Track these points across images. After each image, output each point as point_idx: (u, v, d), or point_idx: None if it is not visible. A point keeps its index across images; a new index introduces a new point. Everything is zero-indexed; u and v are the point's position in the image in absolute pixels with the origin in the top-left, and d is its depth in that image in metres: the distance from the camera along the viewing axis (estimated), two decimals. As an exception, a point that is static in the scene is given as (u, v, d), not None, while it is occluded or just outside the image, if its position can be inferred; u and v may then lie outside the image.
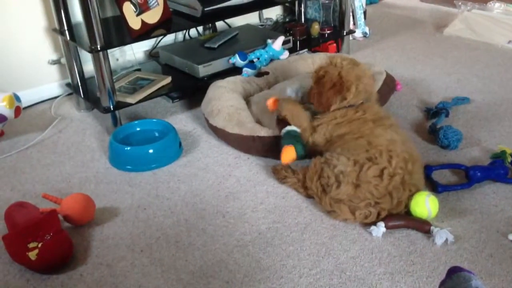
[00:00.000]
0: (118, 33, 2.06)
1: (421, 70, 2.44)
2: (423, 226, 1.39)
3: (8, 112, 1.84)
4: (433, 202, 1.41)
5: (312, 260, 1.33)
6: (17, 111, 1.88)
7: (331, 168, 1.45)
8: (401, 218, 1.42)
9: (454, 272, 0.88)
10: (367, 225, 1.42)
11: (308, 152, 1.65)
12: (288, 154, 1.58)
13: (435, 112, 1.96)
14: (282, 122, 1.71)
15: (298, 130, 1.65)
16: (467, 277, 0.85)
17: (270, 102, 1.76)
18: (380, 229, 1.39)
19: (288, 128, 1.66)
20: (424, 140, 1.83)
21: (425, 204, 1.40)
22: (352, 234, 1.41)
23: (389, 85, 2.02)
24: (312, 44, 2.53)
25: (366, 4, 2.97)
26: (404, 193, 1.41)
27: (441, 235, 1.35)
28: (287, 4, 2.88)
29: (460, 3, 3.02)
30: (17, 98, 1.88)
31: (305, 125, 1.65)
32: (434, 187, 1.55)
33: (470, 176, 1.57)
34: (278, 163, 1.65)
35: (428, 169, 1.62)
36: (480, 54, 2.59)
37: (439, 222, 1.42)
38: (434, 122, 1.87)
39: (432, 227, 1.38)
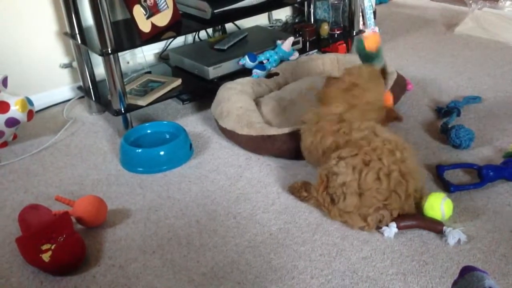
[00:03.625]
0: (129, 36, 2.07)
1: (432, 69, 2.42)
2: (435, 226, 1.38)
3: (21, 116, 1.86)
4: (447, 205, 1.40)
5: (323, 260, 1.32)
6: (30, 114, 1.90)
7: (334, 178, 1.42)
8: (413, 218, 1.41)
9: (467, 271, 0.87)
10: (378, 225, 1.41)
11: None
12: (372, 39, 1.72)
13: (446, 111, 1.95)
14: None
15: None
16: (480, 276, 0.85)
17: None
18: (392, 229, 1.38)
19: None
20: (436, 140, 1.82)
21: (440, 208, 1.39)
22: (363, 234, 1.40)
23: (400, 85, 2.01)
24: (321, 44, 2.52)
25: (376, 4, 2.96)
26: (409, 184, 1.39)
27: (454, 235, 1.34)
28: (296, 5, 2.88)
29: (470, 2, 3.00)
30: (30, 102, 1.90)
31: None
32: (447, 187, 1.54)
33: (482, 176, 1.55)
34: (292, 181, 1.65)
35: (440, 169, 1.61)
36: (492, 53, 2.56)
37: (451, 222, 1.41)
38: (445, 121, 1.85)
39: (444, 227, 1.37)
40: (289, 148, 1.71)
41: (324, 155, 1.52)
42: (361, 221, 1.40)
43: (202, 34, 2.58)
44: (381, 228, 1.40)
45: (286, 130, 1.71)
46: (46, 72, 2.24)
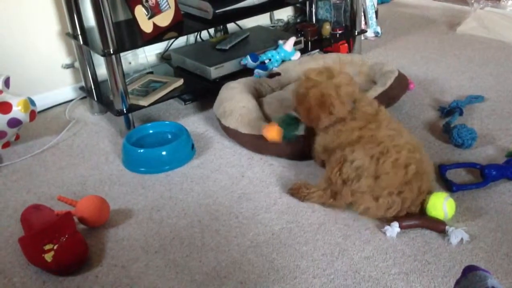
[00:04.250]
0: (130, 36, 2.07)
1: (434, 69, 2.42)
2: (438, 226, 1.38)
3: (23, 116, 1.86)
4: (450, 205, 1.40)
5: (326, 260, 1.32)
6: (32, 115, 1.90)
7: (349, 163, 1.44)
8: (416, 217, 1.41)
9: (469, 271, 0.87)
10: (381, 225, 1.41)
11: (315, 158, 1.67)
12: (271, 132, 1.59)
13: (448, 111, 1.95)
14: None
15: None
16: (483, 276, 0.84)
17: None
18: (394, 229, 1.38)
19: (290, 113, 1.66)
20: (438, 139, 1.82)
21: (442, 208, 1.39)
22: (366, 234, 1.40)
23: (402, 84, 2.01)
24: (323, 44, 2.52)
25: (378, 4, 2.96)
26: (423, 183, 1.41)
27: (457, 235, 1.34)
28: (298, 5, 2.88)
29: (473, 1, 2.99)
30: (32, 102, 1.90)
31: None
32: (449, 187, 1.53)
33: (485, 175, 1.55)
34: (294, 181, 1.65)
35: (442, 168, 1.61)
36: (494, 52, 2.56)
37: (454, 222, 1.41)
38: (448, 121, 1.85)
39: (447, 227, 1.37)
40: (292, 149, 1.71)
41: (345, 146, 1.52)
42: (371, 201, 1.41)
43: (204, 34, 2.58)
44: (381, 225, 1.40)
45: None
46: (48, 72, 2.25)
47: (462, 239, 1.34)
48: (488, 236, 1.36)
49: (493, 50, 2.59)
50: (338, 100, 1.52)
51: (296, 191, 1.56)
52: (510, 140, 1.78)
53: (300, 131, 1.69)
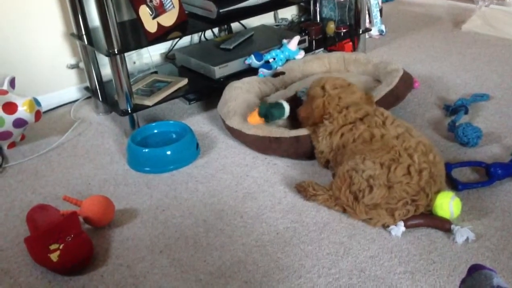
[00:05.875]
0: (135, 36, 2.08)
1: (439, 67, 2.41)
2: (443, 225, 1.38)
3: (28, 117, 1.87)
4: (456, 204, 1.39)
5: (331, 259, 1.32)
6: (37, 115, 1.91)
7: (360, 173, 1.41)
8: (421, 217, 1.40)
9: (475, 270, 0.87)
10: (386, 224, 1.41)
11: (319, 160, 1.69)
12: (253, 116, 1.72)
13: (454, 109, 1.94)
14: (287, 98, 1.81)
15: (284, 103, 1.74)
16: (489, 274, 0.84)
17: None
18: (399, 228, 1.37)
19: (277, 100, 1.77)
20: (443, 138, 1.81)
21: (448, 207, 1.38)
22: (371, 233, 1.40)
23: (407, 83, 2.00)
24: (328, 43, 2.52)
25: (382, 2, 2.95)
26: (435, 186, 1.40)
27: (462, 234, 1.33)
28: (302, 4, 2.88)
29: (478, -1, 2.98)
30: (37, 103, 1.91)
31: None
32: (454, 185, 1.53)
33: (490, 174, 1.54)
34: (299, 180, 1.65)
35: (448, 167, 1.60)
36: (499, 50, 2.55)
37: (459, 221, 1.41)
38: (453, 119, 1.85)
39: (452, 226, 1.36)
40: (296, 151, 1.71)
41: (354, 142, 1.53)
42: (388, 217, 1.38)
43: (208, 33, 2.58)
44: (388, 226, 1.40)
45: (293, 133, 1.70)
46: (53, 72, 2.25)
47: (467, 238, 1.33)
48: (494, 235, 1.36)
49: (498, 48, 2.58)
50: (336, 113, 1.61)
51: (303, 189, 1.56)
52: (515, 138, 1.77)
53: (286, 113, 1.75)
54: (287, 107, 1.74)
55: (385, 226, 1.40)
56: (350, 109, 1.60)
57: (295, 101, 1.84)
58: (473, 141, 1.71)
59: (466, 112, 1.91)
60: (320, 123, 1.64)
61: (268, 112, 1.72)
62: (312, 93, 1.69)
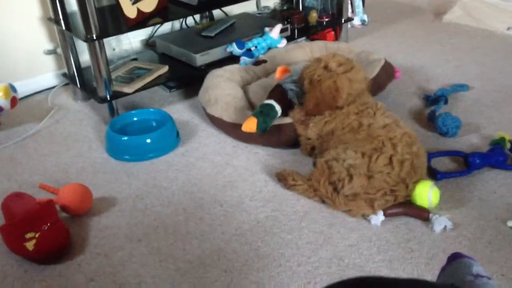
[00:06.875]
0: (114, 22, 2.04)
1: (420, 57, 2.42)
2: (422, 214, 1.39)
3: (4, 103, 1.83)
4: (435, 194, 1.40)
5: (310, 248, 1.32)
6: (13, 101, 1.87)
7: (340, 163, 1.41)
8: (400, 206, 1.41)
9: (455, 258, 0.87)
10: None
11: (303, 147, 1.67)
12: (249, 124, 1.61)
13: (434, 99, 1.95)
14: (274, 93, 1.71)
15: (276, 107, 1.65)
16: (468, 263, 0.85)
17: (280, 69, 1.78)
18: (379, 217, 1.38)
19: (267, 101, 1.66)
20: (423, 128, 1.82)
21: (427, 197, 1.39)
22: (350, 222, 1.40)
23: (388, 73, 2.00)
24: (310, 32, 2.51)
25: (365, -8, 2.95)
26: (416, 177, 1.40)
27: (440, 222, 1.35)
28: (284, -8, 2.86)
29: (459, -10, 3.00)
30: (13, 89, 1.87)
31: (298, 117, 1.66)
32: (433, 175, 1.54)
33: (469, 163, 1.56)
34: (280, 169, 1.64)
35: (427, 157, 1.61)
36: (479, 41, 2.57)
37: (438, 209, 1.42)
38: (433, 109, 1.86)
39: (431, 215, 1.38)
40: (278, 139, 1.70)
41: (342, 129, 1.53)
42: (367, 207, 1.39)
43: (190, 20, 2.55)
44: (368, 215, 1.40)
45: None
46: (30, 58, 2.20)
47: (445, 227, 1.35)
48: (471, 224, 1.37)
49: (479, 38, 2.60)
50: (346, 95, 1.56)
51: (283, 178, 1.55)
52: (494, 128, 1.79)
53: (275, 119, 1.67)
54: (277, 106, 1.66)
55: (365, 215, 1.41)
56: (357, 103, 1.57)
57: (280, 93, 1.73)
58: (452, 131, 1.73)
59: (445, 102, 1.92)
60: (338, 108, 1.57)
61: (268, 126, 1.64)
62: (316, 76, 1.60)
